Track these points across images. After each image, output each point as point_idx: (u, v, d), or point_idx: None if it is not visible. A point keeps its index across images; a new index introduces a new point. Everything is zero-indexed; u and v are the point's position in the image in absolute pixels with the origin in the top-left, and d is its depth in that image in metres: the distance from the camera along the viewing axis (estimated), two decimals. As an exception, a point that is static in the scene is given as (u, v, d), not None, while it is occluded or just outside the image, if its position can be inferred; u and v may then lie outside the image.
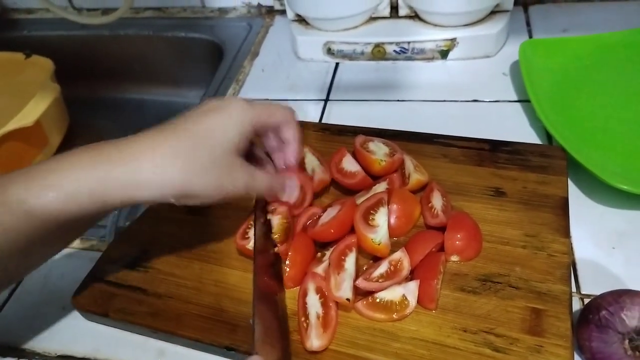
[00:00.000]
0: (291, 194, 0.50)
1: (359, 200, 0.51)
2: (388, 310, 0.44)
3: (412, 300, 0.44)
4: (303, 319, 0.44)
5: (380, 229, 0.48)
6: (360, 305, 0.45)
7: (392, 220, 0.49)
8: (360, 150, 0.55)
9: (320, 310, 0.44)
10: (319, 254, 0.49)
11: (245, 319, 0.46)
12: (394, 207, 0.50)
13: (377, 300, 0.45)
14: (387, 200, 0.50)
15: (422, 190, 0.54)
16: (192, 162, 0.40)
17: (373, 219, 0.48)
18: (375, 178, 0.55)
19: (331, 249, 0.48)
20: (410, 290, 0.45)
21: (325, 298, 0.45)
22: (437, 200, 0.51)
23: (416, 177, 0.53)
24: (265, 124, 0.46)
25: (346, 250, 0.47)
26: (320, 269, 0.47)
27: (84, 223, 0.44)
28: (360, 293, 0.46)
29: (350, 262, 0.46)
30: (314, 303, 0.45)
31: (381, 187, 0.53)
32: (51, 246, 0.44)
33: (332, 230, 0.48)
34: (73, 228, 0.43)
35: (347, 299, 0.44)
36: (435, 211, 0.50)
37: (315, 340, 0.43)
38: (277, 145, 0.50)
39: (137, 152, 0.40)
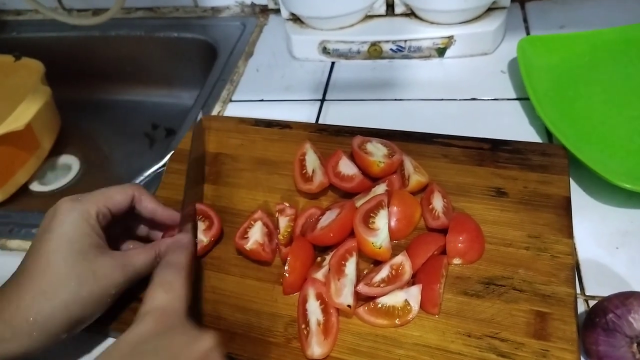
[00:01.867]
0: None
1: (359, 203, 0.50)
2: (390, 315, 0.43)
3: (415, 305, 0.43)
4: (303, 326, 0.43)
5: (380, 232, 0.47)
6: (361, 311, 0.44)
7: (393, 223, 0.49)
8: (358, 152, 0.54)
9: (320, 317, 0.43)
10: (318, 259, 0.48)
11: (243, 326, 0.45)
12: (394, 209, 0.49)
13: (379, 305, 0.44)
14: (387, 202, 0.49)
15: (423, 191, 0.53)
16: (45, 290, 0.40)
17: (373, 222, 0.47)
18: (374, 180, 0.54)
19: (331, 254, 0.47)
20: (413, 295, 0.44)
21: (325, 304, 0.44)
22: (437, 202, 0.50)
23: (416, 178, 0.52)
24: (108, 209, 0.45)
25: (346, 255, 0.46)
26: (320, 275, 0.46)
27: None
28: (361, 298, 0.45)
29: (350, 267, 0.45)
30: (314, 310, 0.44)
31: (380, 188, 0.52)
32: None
33: (332, 234, 0.47)
34: None
35: (348, 306, 0.43)
36: (436, 213, 0.50)
37: (316, 348, 0.42)
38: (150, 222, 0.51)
39: None
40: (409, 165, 0.54)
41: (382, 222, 0.47)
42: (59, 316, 0.40)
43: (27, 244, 0.61)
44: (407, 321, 0.43)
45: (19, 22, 1.03)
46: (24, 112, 0.79)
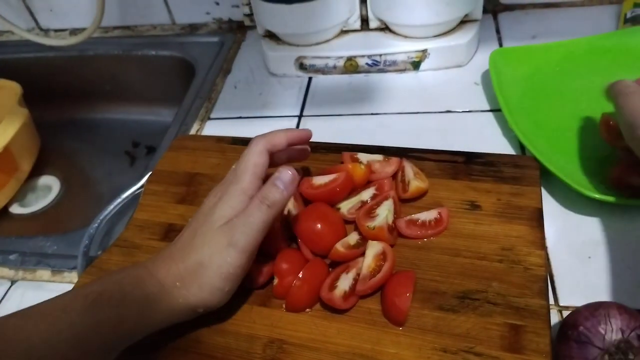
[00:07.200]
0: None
1: (345, 208, 0.53)
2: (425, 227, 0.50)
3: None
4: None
5: (378, 217, 0.50)
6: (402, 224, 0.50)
7: None
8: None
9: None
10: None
11: (222, 349, 0.45)
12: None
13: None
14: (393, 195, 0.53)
15: (421, 198, 0.54)
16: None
17: (374, 211, 0.51)
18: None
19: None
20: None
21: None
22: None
23: (416, 184, 0.53)
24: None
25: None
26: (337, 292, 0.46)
27: None
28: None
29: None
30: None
31: (368, 193, 0.54)
32: None
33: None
34: None
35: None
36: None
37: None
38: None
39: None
40: (409, 170, 0.55)
41: (383, 209, 0.50)
42: None
43: (5, 271, 0.60)
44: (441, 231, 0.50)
45: (-5, 44, 1.02)
46: (1, 135, 0.79)
